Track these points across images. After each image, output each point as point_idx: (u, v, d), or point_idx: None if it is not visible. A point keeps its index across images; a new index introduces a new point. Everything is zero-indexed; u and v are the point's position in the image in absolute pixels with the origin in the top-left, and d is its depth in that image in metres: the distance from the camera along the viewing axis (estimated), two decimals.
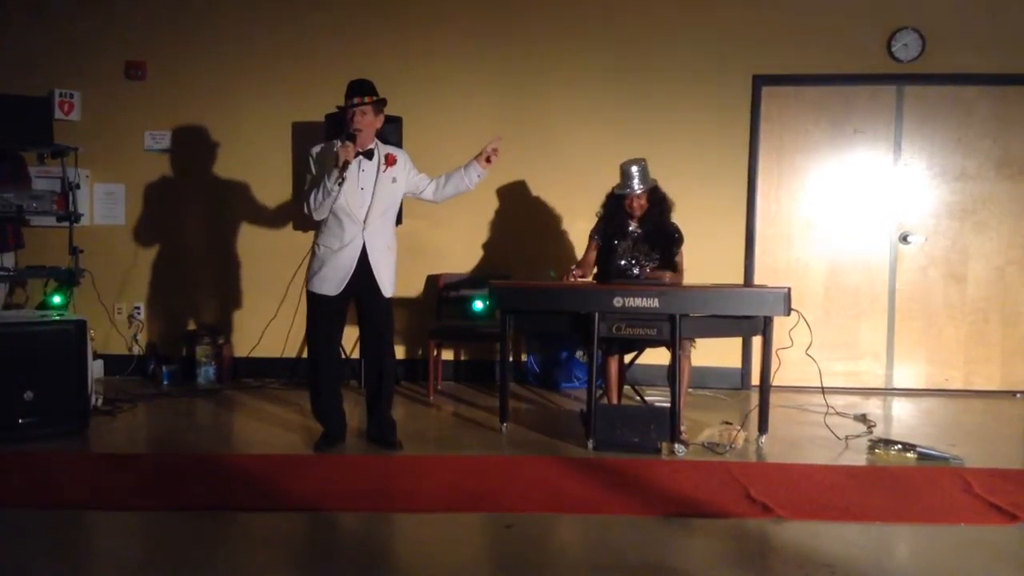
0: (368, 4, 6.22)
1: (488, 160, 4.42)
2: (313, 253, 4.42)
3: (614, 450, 4.39)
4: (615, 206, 4.91)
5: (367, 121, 4.25)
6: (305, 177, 4.42)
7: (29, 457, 4.21)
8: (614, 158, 4.99)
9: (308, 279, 4.45)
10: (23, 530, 3.30)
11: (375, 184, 4.31)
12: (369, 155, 4.30)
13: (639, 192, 4.81)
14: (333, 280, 4.32)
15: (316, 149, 4.40)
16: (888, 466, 4.26)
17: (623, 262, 4.90)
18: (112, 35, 6.25)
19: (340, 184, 4.16)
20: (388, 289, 4.40)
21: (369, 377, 4.58)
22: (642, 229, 4.91)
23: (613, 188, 4.91)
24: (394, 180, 4.38)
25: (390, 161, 4.35)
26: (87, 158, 6.00)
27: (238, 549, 3.19)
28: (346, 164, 4.12)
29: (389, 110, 5.54)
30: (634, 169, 4.79)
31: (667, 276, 4.70)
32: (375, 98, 4.27)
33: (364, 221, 4.29)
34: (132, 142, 6.28)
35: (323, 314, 4.41)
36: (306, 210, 4.33)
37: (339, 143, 4.18)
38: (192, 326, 6.35)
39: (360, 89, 4.26)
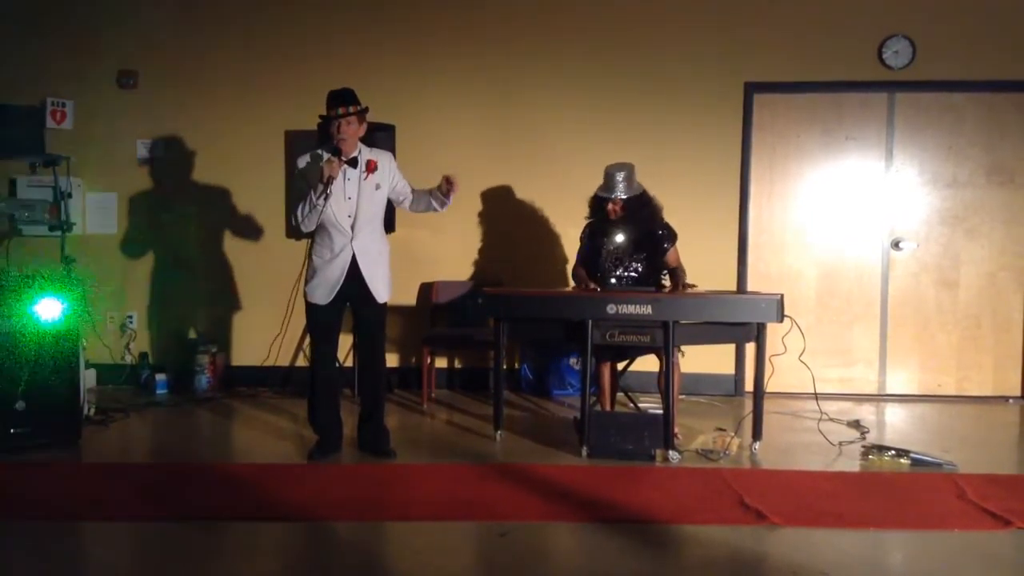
0: (360, 13, 6.23)
1: (448, 190, 4.38)
2: (309, 262, 4.43)
3: (608, 457, 4.39)
4: (597, 208, 4.92)
5: (352, 130, 4.25)
6: (294, 187, 4.42)
7: (21, 468, 4.19)
8: (606, 165, 4.99)
9: (304, 288, 4.47)
10: (14, 542, 3.28)
11: (359, 193, 4.31)
12: (353, 163, 4.31)
13: (622, 197, 4.79)
14: (324, 289, 4.33)
15: (302, 161, 4.39)
16: (882, 472, 4.26)
17: (607, 264, 4.91)
18: (104, 44, 6.25)
19: (326, 199, 4.18)
20: (383, 295, 4.41)
21: (362, 385, 4.57)
22: (628, 232, 4.92)
23: (597, 190, 4.92)
24: (377, 187, 4.37)
25: (371, 168, 4.34)
26: (79, 167, 5.97)
27: (232, 559, 3.17)
28: (331, 179, 4.15)
29: (382, 117, 5.61)
30: (619, 175, 4.80)
31: (688, 285, 4.70)
32: (359, 107, 4.27)
33: (352, 230, 4.30)
34: (124, 151, 6.27)
35: (318, 322, 4.43)
36: (294, 222, 4.36)
37: (325, 157, 4.20)
38: (185, 335, 6.33)
39: (343, 99, 4.25)
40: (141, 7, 6.26)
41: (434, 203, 4.49)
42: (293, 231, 6.13)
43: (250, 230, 6.28)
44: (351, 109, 4.23)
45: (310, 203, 4.21)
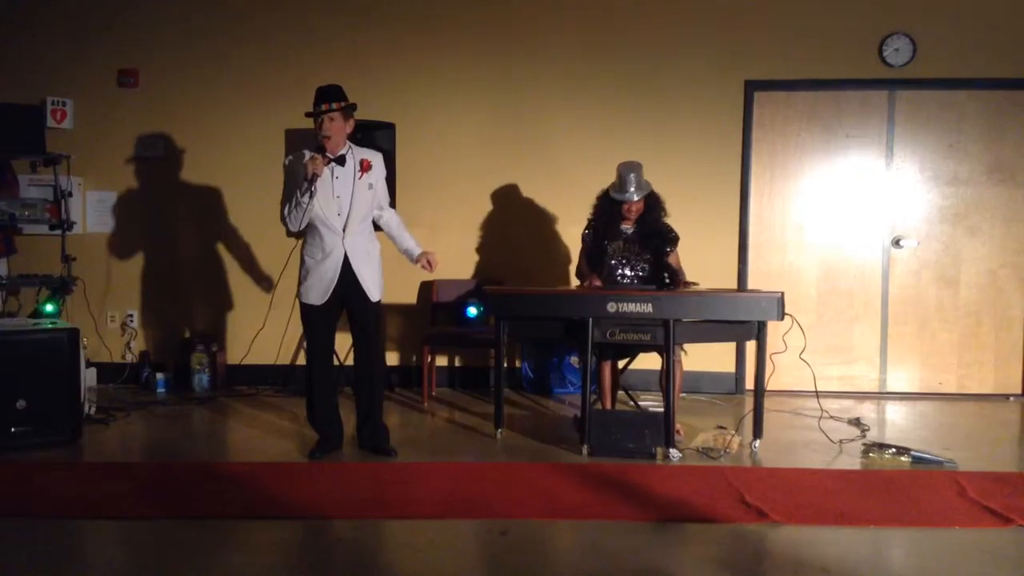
0: (361, 11, 6.22)
1: (425, 263, 4.46)
2: (301, 263, 4.43)
3: (609, 456, 4.39)
4: (607, 207, 4.91)
5: (336, 127, 4.22)
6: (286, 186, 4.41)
7: (21, 466, 4.19)
8: (607, 163, 4.99)
9: (298, 289, 4.46)
10: (15, 540, 3.28)
11: (352, 191, 4.29)
12: (341, 161, 4.28)
13: (637, 199, 4.81)
14: (318, 289, 4.32)
15: (288, 160, 4.38)
16: (882, 470, 4.26)
17: (613, 262, 4.91)
18: (104, 43, 6.24)
19: (310, 196, 4.16)
20: (375, 293, 4.39)
21: (360, 383, 4.56)
22: (634, 230, 4.92)
23: (608, 189, 4.91)
24: (371, 186, 4.35)
25: (365, 167, 4.32)
26: (79, 166, 5.98)
27: (233, 557, 3.17)
28: (315, 177, 4.12)
29: (382, 116, 5.61)
30: (632, 176, 4.79)
31: (689, 284, 4.74)
32: (343, 104, 4.24)
33: (343, 230, 4.28)
34: (124, 150, 6.27)
35: (313, 323, 4.41)
36: (283, 222, 4.35)
37: (308, 155, 4.19)
38: (186, 334, 6.34)
39: (328, 95, 4.23)
40: (141, 7, 6.26)
41: (402, 251, 4.53)
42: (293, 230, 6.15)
43: (250, 229, 6.27)
44: (334, 106, 4.20)
45: (295, 201, 4.19)
